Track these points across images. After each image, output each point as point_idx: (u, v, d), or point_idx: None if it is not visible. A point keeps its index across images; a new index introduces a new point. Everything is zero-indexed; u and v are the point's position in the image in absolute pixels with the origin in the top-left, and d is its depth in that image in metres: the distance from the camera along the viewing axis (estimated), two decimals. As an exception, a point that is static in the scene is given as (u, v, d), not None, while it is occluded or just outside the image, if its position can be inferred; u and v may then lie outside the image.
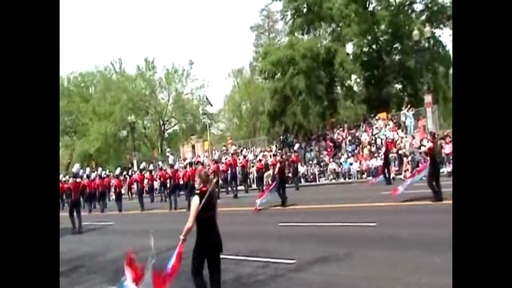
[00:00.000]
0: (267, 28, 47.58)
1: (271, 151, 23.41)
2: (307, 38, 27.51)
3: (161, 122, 40.68)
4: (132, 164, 33.12)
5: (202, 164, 22.93)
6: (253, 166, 22.81)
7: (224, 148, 31.56)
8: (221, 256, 7.06)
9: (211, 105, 39.00)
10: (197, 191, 4.95)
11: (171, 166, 19.32)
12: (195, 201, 4.74)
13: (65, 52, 77.77)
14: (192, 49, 75.11)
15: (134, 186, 22.12)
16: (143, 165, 21.95)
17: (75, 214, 13.17)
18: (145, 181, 22.00)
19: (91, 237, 12.01)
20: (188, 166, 18.35)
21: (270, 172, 18.41)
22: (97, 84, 41.80)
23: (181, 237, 4.78)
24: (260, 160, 20.74)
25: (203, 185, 4.91)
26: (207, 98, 40.15)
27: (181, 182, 18.34)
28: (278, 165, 13.59)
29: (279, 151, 24.54)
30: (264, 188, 16.67)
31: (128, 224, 14.07)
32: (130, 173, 27.48)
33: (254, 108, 43.30)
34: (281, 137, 27.54)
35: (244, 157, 22.90)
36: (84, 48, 79.63)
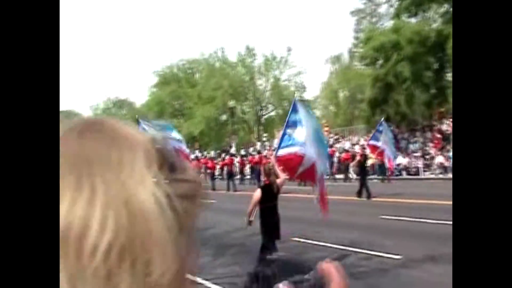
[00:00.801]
0: (368, 12, 45.43)
1: (359, 141, 22.79)
2: (415, 21, 25.64)
3: (259, 107, 41.68)
4: (231, 147, 34.65)
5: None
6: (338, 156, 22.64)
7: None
8: (323, 244, 7.19)
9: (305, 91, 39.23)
10: (262, 184, 5.83)
11: (258, 152, 20.13)
12: (257, 193, 5.46)
13: (175, 41, 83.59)
14: (290, 36, 75.25)
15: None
16: (233, 150, 23.26)
17: None
18: (236, 164, 23.36)
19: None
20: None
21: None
22: (202, 71, 44.20)
23: (245, 220, 5.73)
24: (347, 151, 20.46)
25: (266, 179, 5.61)
26: (302, 85, 40.21)
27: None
28: (357, 157, 13.93)
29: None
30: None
31: (227, 203, 14.82)
32: (224, 156, 28.79)
33: (352, 96, 42.05)
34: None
35: (331, 146, 22.59)
36: (192, 37, 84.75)
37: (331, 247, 7.07)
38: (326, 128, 33.40)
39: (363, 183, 13.07)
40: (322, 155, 6.75)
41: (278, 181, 5.50)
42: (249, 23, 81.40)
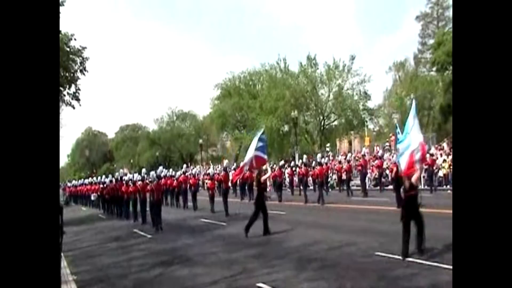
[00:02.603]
0: (435, 16, 43.44)
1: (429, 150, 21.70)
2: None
3: (321, 117, 41.14)
4: (294, 158, 34.39)
5: (340, 162, 24.44)
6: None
7: (387, 144, 30.07)
8: (410, 259, 6.78)
9: (370, 100, 38.30)
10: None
11: (305, 165, 21.03)
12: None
13: (237, 55, 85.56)
14: (351, 42, 73.98)
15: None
16: (281, 163, 24.27)
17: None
18: (286, 175, 25.29)
19: (270, 225, 12.86)
20: (318, 165, 18.97)
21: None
22: (264, 82, 44.68)
23: None
24: (395, 162, 20.06)
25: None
26: (366, 93, 39.04)
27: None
28: (394, 169, 14.31)
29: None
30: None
31: (296, 215, 14.63)
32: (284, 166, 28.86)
33: (420, 103, 40.14)
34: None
35: (380, 158, 21.99)
36: (252, 50, 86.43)
37: (420, 263, 6.64)
38: (392, 138, 32.08)
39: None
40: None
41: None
42: (310, 31, 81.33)
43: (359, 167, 21.79)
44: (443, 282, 5.63)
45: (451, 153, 21.07)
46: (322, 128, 41.33)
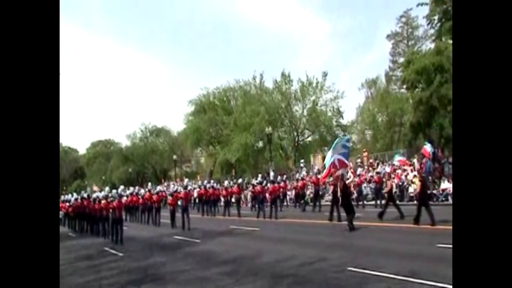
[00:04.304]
0: (405, 35, 45.12)
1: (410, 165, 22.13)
2: (457, 43, 25.13)
3: (295, 133, 41.49)
4: (268, 174, 34.36)
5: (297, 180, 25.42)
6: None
7: (359, 160, 30.57)
8: (381, 274, 6.83)
9: (342, 118, 39.03)
10: None
11: (260, 183, 22.06)
12: None
13: (213, 71, 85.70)
14: (325, 60, 75.56)
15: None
16: (240, 180, 26.12)
17: (185, 215, 16.79)
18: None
19: (243, 241, 12.75)
20: (271, 183, 20.56)
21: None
22: (238, 98, 44.80)
23: None
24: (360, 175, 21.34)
25: None
26: (339, 110, 39.74)
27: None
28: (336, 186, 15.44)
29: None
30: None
31: (271, 231, 14.58)
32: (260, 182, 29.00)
33: (391, 120, 41.18)
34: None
35: (342, 178, 22.79)
36: (227, 67, 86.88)
37: (391, 277, 6.69)
38: (365, 154, 32.62)
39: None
40: None
41: None
42: (284, 49, 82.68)
43: (312, 184, 22.95)
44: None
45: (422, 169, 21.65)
46: (296, 144, 41.62)
